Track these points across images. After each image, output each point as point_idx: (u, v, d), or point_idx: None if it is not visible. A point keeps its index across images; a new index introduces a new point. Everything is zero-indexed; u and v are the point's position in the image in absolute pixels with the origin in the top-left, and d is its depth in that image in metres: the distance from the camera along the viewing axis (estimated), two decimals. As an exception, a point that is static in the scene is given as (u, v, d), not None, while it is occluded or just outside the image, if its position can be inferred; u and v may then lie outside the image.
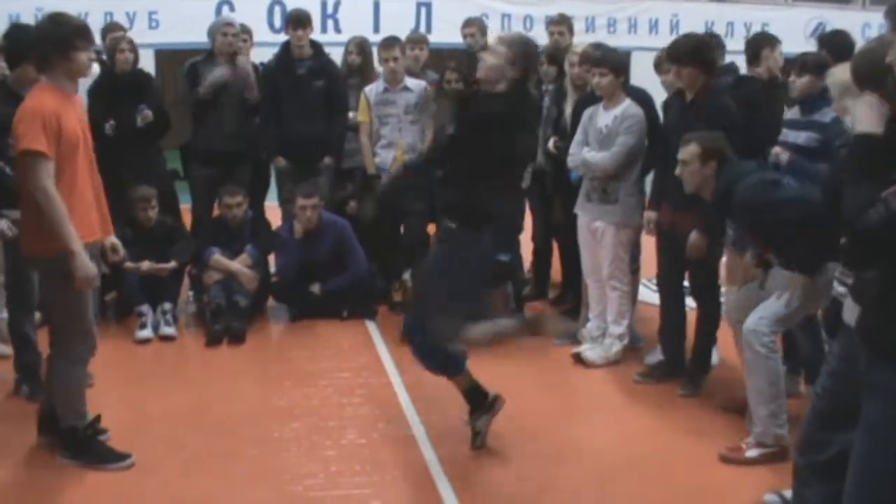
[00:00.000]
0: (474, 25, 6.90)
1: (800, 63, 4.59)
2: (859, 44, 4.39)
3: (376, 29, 11.35)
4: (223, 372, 5.21)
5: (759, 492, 3.71)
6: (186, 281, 6.19)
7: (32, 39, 3.89)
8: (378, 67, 6.44)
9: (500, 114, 3.88)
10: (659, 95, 5.28)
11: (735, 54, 6.06)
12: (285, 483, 3.86)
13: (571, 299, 6.05)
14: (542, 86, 5.99)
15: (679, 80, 4.76)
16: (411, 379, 4.84)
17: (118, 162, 5.69)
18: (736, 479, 3.91)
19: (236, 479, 3.89)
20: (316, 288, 6.10)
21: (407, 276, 6.22)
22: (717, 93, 4.75)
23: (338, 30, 11.78)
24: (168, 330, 5.67)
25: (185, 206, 6.66)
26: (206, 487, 3.81)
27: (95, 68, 5.71)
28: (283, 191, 6.58)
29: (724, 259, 4.89)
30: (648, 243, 5.20)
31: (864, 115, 2.42)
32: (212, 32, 6.36)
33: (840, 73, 3.63)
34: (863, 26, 11.28)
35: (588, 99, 5.39)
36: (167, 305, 5.76)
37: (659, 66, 5.47)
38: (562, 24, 6.34)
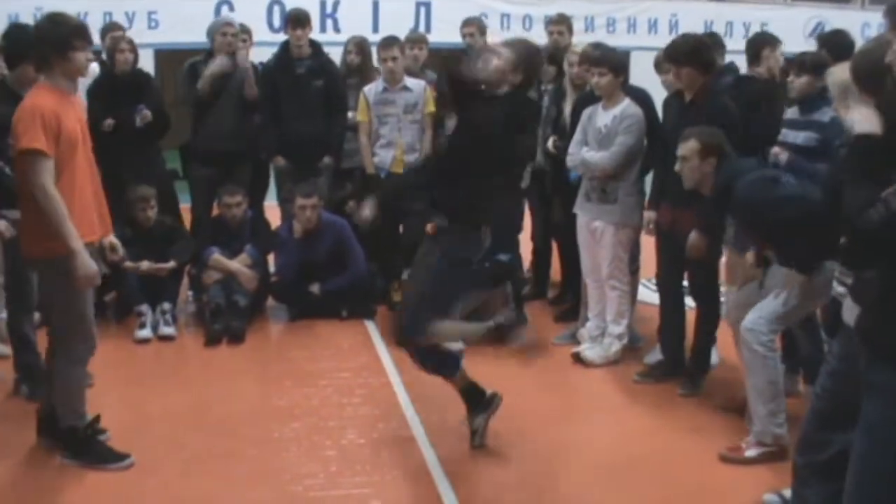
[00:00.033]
0: (473, 25, 6.90)
1: (798, 63, 4.59)
2: (859, 43, 4.40)
3: (375, 28, 11.34)
4: (223, 372, 5.21)
5: (759, 491, 3.71)
6: (186, 281, 6.19)
7: (31, 39, 3.89)
8: (377, 66, 6.44)
9: (500, 116, 3.89)
10: (659, 95, 5.28)
11: (734, 54, 6.07)
12: (285, 483, 3.86)
13: (571, 299, 6.06)
14: (542, 85, 5.99)
15: (678, 80, 4.77)
16: (411, 379, 4.84)
17: (117, 162, 5.70)
18: (735, 478, 3.91)
19: (236, 479, 3.89)
20: (315, 288, 6.10)
21: (406, 276, 6.22)
22: (716, 93, 4.76)
23: (337, 29, 11.77)
24: (167, 330, 5.67)
25: (185, 206, 6.65)
26: (206, 487, 3.81)
27: (95, 68, 5.73)
28: (283, 190, 6.58)
29: (724, 259, 4.90)
30: (648, 243, 5.20)
31: (864, 116, 2.42)
32: (211, 32, 6.37)
33: (839, 73, 3.63)
34: (862, 26, 11.28)
35: (587, 98, 5.39)
36: (166, 305, 5.76)
37: (659, 66, 5.48)
38: (561, 23, 6.34)
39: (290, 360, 5.39)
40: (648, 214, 5.01)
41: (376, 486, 3.86)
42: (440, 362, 4.09)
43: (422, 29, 11.23)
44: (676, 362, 4.99)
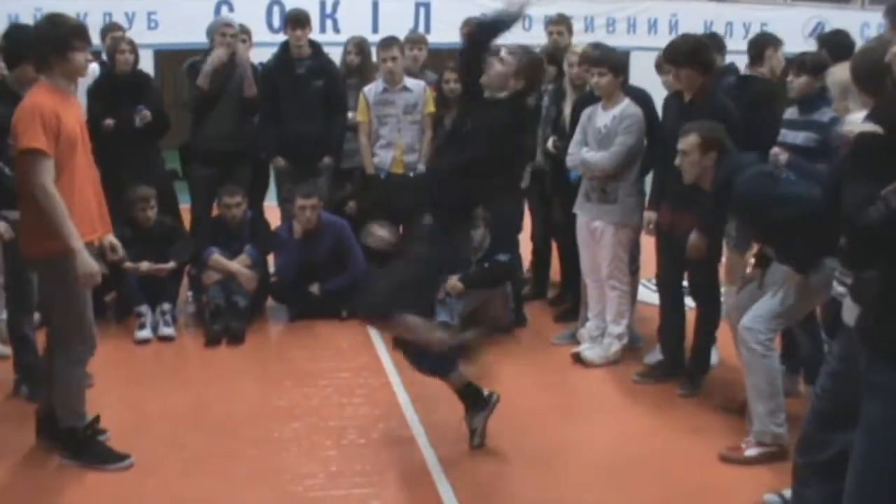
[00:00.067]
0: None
1: (797, 63, 4.59)
2: (859, 43, 4.40)
3: (375, 29, 11.34)
4: (223, 372, 5.21)
5: (759, 491, 3.71)
6: (185, 281, 6.19)
7: (31, 40, 3.89)
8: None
9: (499, 117, 3.93)
10: (659, 95, 5.27)
11: (734, 54, 6.07)
12: (285, 483, 3.86)
13: (570, 299, 6.06)
14: (541, 86, 5.98)
15: (678, 81, 4.77)
16: (411, 379, 4.83)
17: (117, 162, 5.71)
18: (735, 478, 3.91)
19: (236, 479, 3.89)
20: (315, 288, 6.10)
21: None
22: (716, 93, 4.76)
23: (336, 30, 11.77)
24: (167, 330, 5.67)
25: (185, 206, 6.65)
26: (206, 487, 3.81)
27: (95, 68, 5.74)
28: (283, 191, 6.57)
29: (724, 259, 4.90)
30: (648, 243, 5.20)
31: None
32: (211, 32, 6.36)
33: (839, 73, 3.64)
34: (862, 26, 11.29)
35: (587, 99, 5.39)
36: (166, 306, 5.76)
37: (661, 67, 5.47)
38: (561, 23, 6.33)
39: (290, 360, 5.39)
40: (648, 215, 5.01)
41: (376, 486, 3.86)
42: (435, 363, 4.08)
43: (421, 29, 11.24)
44: (676, 362, 4.99)
